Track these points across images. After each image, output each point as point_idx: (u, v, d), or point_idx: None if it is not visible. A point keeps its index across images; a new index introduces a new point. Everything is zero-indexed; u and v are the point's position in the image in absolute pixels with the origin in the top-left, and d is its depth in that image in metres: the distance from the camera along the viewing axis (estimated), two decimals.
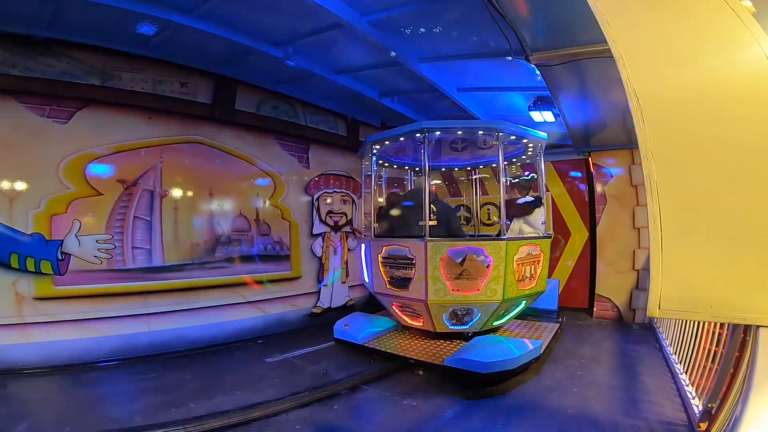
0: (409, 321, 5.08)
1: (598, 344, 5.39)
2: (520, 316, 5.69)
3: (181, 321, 5.19)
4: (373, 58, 5.18)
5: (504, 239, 4.48)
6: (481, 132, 5.08)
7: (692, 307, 1.54)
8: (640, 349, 5.08)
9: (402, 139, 5.07)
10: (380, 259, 4.95)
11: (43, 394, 3.86)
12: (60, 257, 4.49)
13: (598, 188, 7.00)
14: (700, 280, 1.54)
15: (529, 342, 4.48)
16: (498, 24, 3.58)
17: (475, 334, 4.77)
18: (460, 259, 4.47)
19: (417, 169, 7.19)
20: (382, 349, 4.76)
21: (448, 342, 4.80)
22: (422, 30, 4.39)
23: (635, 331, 6.03)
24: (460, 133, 5.21)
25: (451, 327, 4.72)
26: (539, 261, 5.03)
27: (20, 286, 4.28)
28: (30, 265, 4.32)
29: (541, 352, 4.45)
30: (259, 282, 6.06)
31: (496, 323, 5.02)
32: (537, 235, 5.17)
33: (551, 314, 6.30)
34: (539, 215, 5.28)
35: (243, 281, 5.91)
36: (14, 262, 4.24)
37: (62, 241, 4.51)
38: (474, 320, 4.68)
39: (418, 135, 4.79)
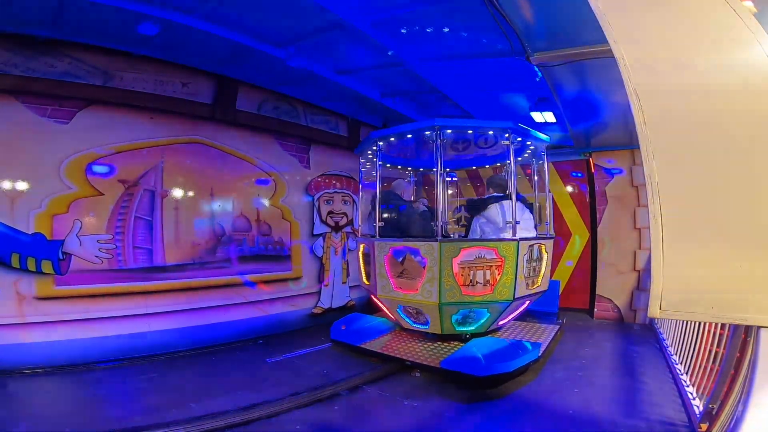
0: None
1: (599, 345, 5.38)
2: (521, 318, 5.65)
3: (181, 321, 5.19)
4: (374, 59, 5.19)
5: (438, 240, 4.36)
6: (491, 132, 4.89)
7: (693, 307, 1.53)
8: (641, 349, 5.08)
9: (409, 136, 4.92)
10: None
11: (43, 395, 3.86)
12: (61, 257, 4.49)
13: (599, 189, 7.00)
14: (702, 281, 1.54)
15: (527, 344, 4.43)
16: (499, 24, 3.59)
17: (475, 335, 4.73)
18: (401, 258, 4.54)
19: (416, 169, 7.20)
20: (379, 351, 4.70)
21: (445, 344, 4.73)
22: (422, 30, 4.39)
23: (636, 331, 6.03)
24: (470, 132, 5.06)
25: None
26: (499, 266, 4.47)
27: (21, 285, 4.29)
28: (31, 264, 4.32)
29: (540, 354, 4.38)
30: (258, 282, 6.06)
31: (460, 329, 4.75)
32: (493, 237, 4.71)
33: (551, 316, 6.24)
34: (496, 213, 4.77)
35: (243, 282, 5.91)
36: (15, 262, 4.24)
37: (63, 241, 4.52)
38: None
39: (427, 133, 4.64)
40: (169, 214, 5.32)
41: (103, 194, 4.80)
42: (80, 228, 4.63)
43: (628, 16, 1.88)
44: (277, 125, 6.48)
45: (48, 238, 4.43)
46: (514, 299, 4.55)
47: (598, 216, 6.99)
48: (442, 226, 4.66)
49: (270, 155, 6.43)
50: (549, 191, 5.86)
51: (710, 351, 3.20)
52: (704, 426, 2.66)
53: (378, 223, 4.85)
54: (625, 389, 3.93)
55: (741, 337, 2.37)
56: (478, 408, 3.54)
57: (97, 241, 4.74)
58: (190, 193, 5.55)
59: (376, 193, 5.10)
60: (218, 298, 5.57)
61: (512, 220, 4.52)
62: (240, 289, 5.84)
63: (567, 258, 7.35)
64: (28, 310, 4.30)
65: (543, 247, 5.06)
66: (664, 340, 5.05)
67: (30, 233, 4.34)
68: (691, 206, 1.59)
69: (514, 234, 4.51)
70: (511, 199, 4.66)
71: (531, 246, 4.76)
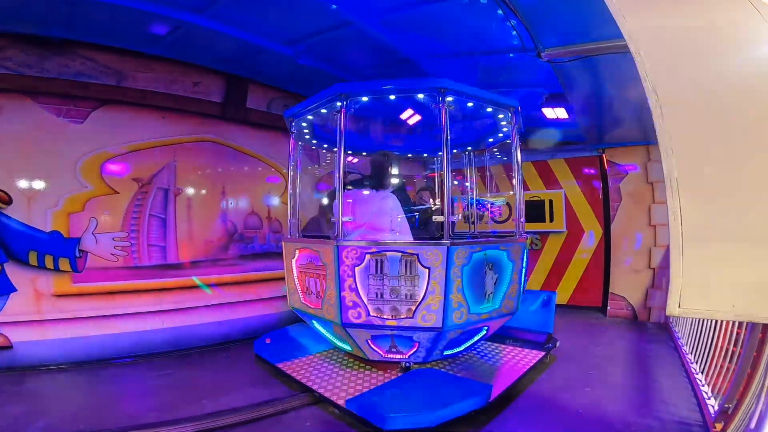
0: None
1: (612, 343, 5.32)
2: (498, 340, 4.71)
3: (194, 318, 5.26)
4: (382, 57, 5.16)
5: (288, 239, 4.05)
6: (421, 96, 3.72)
7: (714, 305, 1.51)
8: (655, 348, 5.01)
9: (324, 111, 4.07)
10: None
11: (60, 391, 3.93)
12: (78, 255, 4.58)
13: (613, 185, 6.91)
14: (723, 279, 1.51)
15: (473, 385, 3.42)
16: (509, 20, 3.56)
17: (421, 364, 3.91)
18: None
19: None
20: (291, 374, 3.91)
21: (380, 372, 3.89)
22: (431, 26, 4.36)
23: (650, 330, 5.95)
24: (393, 98, 3.87)
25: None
26: (324, 276, 3.71)
27: (39, 283, 4.38)
28: (49, 262, 4.41)
29: (488, 401, 3.25)
30: (270, 279, 6.09)
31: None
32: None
33: (540, 336, 4.72)
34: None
35: (256, 278, 5.95)
36: (33, 260, 4.34)
37: (80, 239, 4.60)
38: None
39: (338, 104, 3.72)
40: (182, 212, 5.39)
41: (118, 192, 4.87)
42: (96, 226, 4.71)
43: (643, 10, 1.85)
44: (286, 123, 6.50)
45: (65, 236, 4.52)
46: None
47: (611, 213, 6.91)
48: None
49: (280, 153, 6.45)
50: (521, 175, 4.55)
51: (726, 350, 3.15)
52: (719, 426, 2.62)
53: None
54: (638, 388, 3.87)
55: (758, 336, 2.34)
56: (486, 407, 3.26)
57: (113, 238, 4.82)
58: (203, 191, 5.61)
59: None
60: (230, 295, 5.62)
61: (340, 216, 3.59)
62: (252, 286, 5.89)
63: (579, 255, 7.28)
64: (46, 308, 4.39)
65: (435, 255, 3.43)
66: (679, 338, 4.98)
67: (47, 231, 4.43)
68: (712, 203, 1.56)
69: (335, 234, 3.61)
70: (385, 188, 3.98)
71: (378, 255, 3.50)
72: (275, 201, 6.35)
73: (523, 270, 4.24)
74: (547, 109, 6.08)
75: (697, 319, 4.13)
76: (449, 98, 3.64)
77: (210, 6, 4.12)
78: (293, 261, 4.24)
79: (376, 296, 3.54)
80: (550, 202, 7.50)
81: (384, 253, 3.50)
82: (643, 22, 1.73)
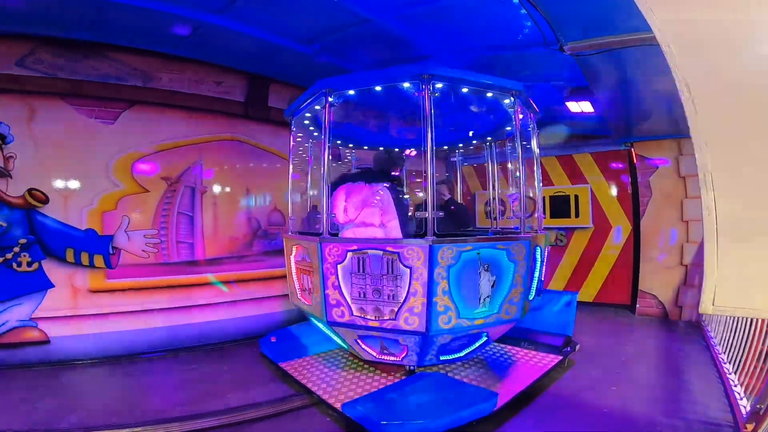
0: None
1: (640, 342, 5.19)
2: (513, 342, 4.48)
3: (220, 313, 5.39)
4: (400, 53, 5.13)
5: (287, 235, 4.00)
6: (407, 85, 3.53)
7: (749, 303, 1.45)
8: (686, 348, 4.86)
9: (318, 108, 3.99)
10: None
11: (93, 385, 4.09)
12: (111, 252, 4.75)
13: (642, 180, 6.70)
14: (759, 276, 1.46)
15: (479, 392, 3.24)
16: (529, 14, 3.49)
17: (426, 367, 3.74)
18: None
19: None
20: (292, 374, 3.85)
21: (383, 375, 3.74)
22: (450, 22, 4.31)
23: (681, 329, 5.77)
24: (379, 89, 3.68)
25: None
26: (312, 273, 3.67)
27: (76, 279, 4.57)
28: (84, 259, 4.60)
29: (493, 410, 3.05)
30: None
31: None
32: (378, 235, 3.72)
33: (558, 339, 4.46)
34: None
35: (280, 274, 6.04)
36: (70, 257, 4.53)
37: (113, 236, 4.77)
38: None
39: (407, 85, 3.50)
40: (208, 209, 5.52)
41: (148, 191, 5.02)
42: (128, 224, 4.87)
43: (672, 2, 1.79)
44: None
45: (99, 234, 4.69)
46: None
47: (641, 208, 6.70)
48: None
49: None
50: (537, 164, 4.45)
51: (761, 350, 3.05)
52: (750, 426, 2.55)
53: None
54: (666, 388, 3.77)
55: None
56: (507, 405, 3.22)
57: (144, 236, 4.98)
58: (227, 189, 5.73)
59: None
60: (255, 291, 5.73)
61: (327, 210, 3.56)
62: (276, 281, 5.98)
63: (606, 251, 7.11)
64: (82, 303, 4.58)
65: (416, 254, 3.21)
66: (711, 338, 4.82)
67: (83, 229, 4.61)
68: (747, 198, 1.51)
69: (323, 228, 3.58)
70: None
71: (359, 253, 3.37)
72: (297, 197, 6.42)
73: (537, 271, 4.03)
74: (572, 103, 5.95)
75: (731, 318, 3.99)
76: (438, 84, 3.42)
77: (229, 6, 4.18)
78: (291, 257, 4.21)
79: (359, 296, 3.41)
80: (576, 197, 7.34)
81: (365, 251, 3.36)
82: (673, 14, 1.67)
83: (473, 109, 4.34)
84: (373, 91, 3.73)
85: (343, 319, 3.49)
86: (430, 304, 3.20)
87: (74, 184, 4.60)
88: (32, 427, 3.02)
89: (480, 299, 3.42)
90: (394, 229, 3.74)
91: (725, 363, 3.89)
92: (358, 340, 3.71)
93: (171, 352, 4.89)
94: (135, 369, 4.46)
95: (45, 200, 4.40)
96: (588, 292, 7.15)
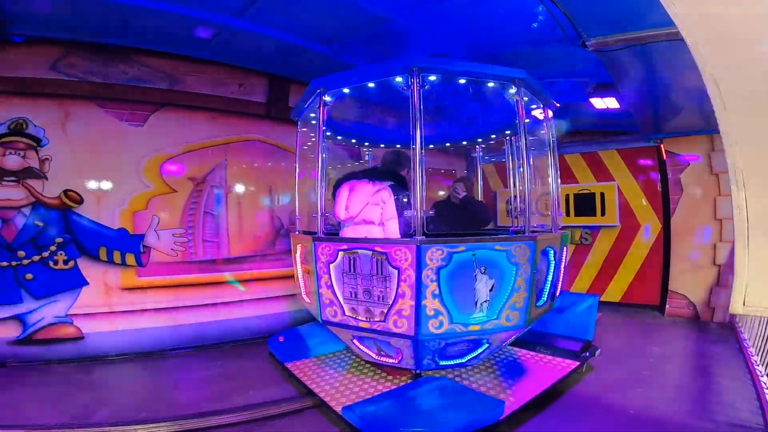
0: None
1: (669, 343, 5.04)
2: (529, 346, 4.29)
3: (246, 311, 5.52)
4: (419, 52, 5.12)
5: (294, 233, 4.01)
6: (399, 80, 3.32)
7: None
8: (718, 349, 4.68)
9: (372, 85, 3.54)
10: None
11: (124, 380, 4.23)
12: (142, 250, 4.93)
13: (673, 177, 6.47)
14: None
15: (484, 400, 3.07)
16: (549, 11, 3.43)
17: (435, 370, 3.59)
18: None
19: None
20: (297, 375, 3.82)
21: (389, 378, 3.65)
22: (468, 20, 4.27)
23: (713, 330, 5.57)
24: (372, 85, 3.56)
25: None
26: (310, 271, 3.64)
27: (109, 277, 4.75)
28: (117, 257, 4.78)
29: (499, 419, 2.91)
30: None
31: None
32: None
33: (576, 344, 4.21)
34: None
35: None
36: (103, 255, 4.71)
37: (144, 235, 4.94)
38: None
39: (399, 80, 3.29)
40: (233, 209, 5.64)
41: (176, 191, 5.18)
42: (158, 223, 5.03)
43: None
44: None
45: (130, 233, 4.87)
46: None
47: (671, 206, 6.49)
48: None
49: None
50: (529, 159, 3.82)
51: None
52: None
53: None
54: (696, 390, 3.66)
55: None
56: (528, 405, 3.16)
57: (173, 234, 5.14)
58: (251, 189, 5.85)
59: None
60: (278, 289, 5.83)
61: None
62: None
63: (634, 250, 6.90)
64: (115, 300, 4.76)
65: (403, 255, 3.09)
66: (745, 339, 4.64)
67: (115, 228, 4.79)
68: None
69: (318, 227, 3.60)
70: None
71: (350, 253, 3.32)
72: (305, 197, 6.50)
73: (549, 274, 3.81)
74: (596, 99, 5.81)
75: (765, 318, 3.83)
76: (431, 77, 3.23)
77: (247, 9, 4.26)
78: (297, 256, 4.21)
79: (351, 296, 3.37)
80: (602, 195, 7.16)
81: (355, 250, 3.29)
82: (697, 8, 1.61)
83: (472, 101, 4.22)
84: (385, 87, 3.55)
85: (336, 318, 3.49)
86: (418, 308, 3.06)
87: (107, 185, 4.79)
88: (67, 421, 3.14)
89: (476, 304, 3.21)
90: (393, 229, 3.71)
91: (758, 365, 3.74)
92: (355, 341, 3.70)
93: (198, 349, 5.03)
94: (164, 365, 4.61)
95: (80, 201, 4.60)
96: (615, 291, 6.97)
